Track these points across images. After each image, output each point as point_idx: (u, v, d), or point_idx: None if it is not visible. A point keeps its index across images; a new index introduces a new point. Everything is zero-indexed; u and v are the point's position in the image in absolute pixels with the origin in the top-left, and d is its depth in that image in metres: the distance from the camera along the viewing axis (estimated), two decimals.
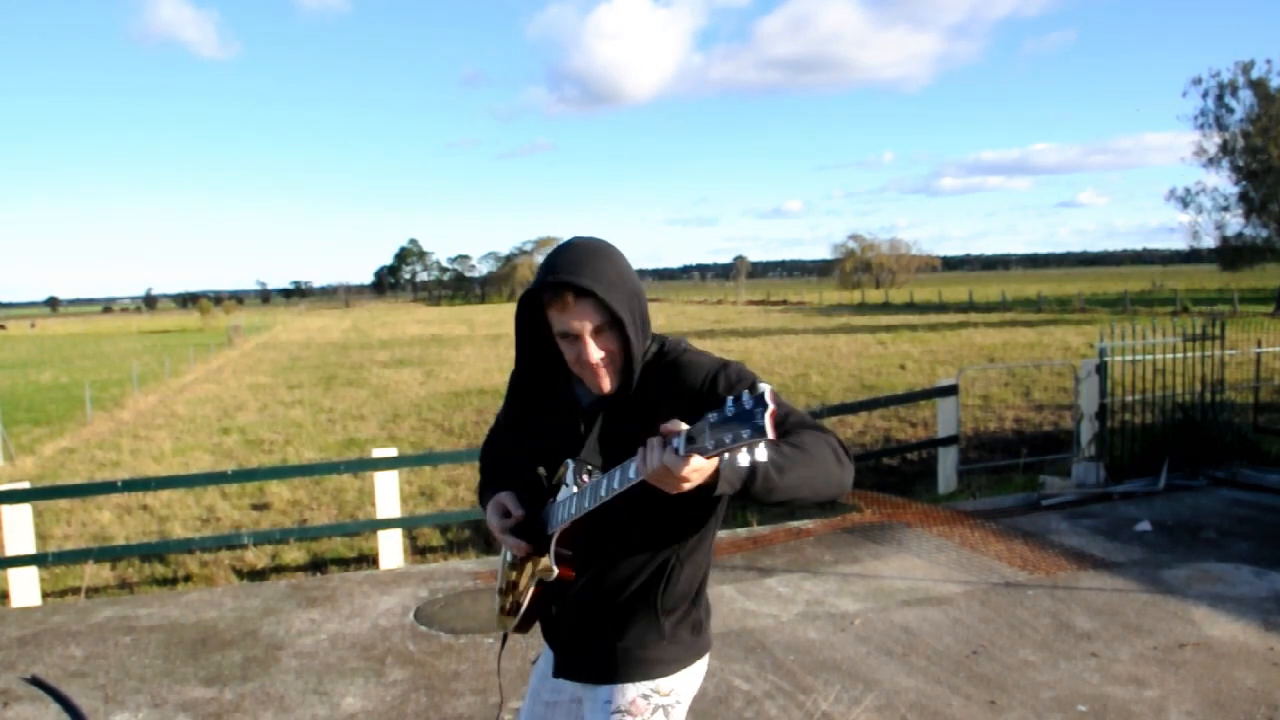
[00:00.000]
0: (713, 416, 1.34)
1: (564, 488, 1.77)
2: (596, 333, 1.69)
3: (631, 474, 1.52)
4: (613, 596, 1.80)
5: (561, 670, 1.89)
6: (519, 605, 1.86)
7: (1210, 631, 4.40)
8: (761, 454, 1.31)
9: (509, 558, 1.95)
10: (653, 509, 1.66)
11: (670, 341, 1.81)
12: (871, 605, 4.89)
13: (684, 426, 1.38)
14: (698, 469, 1.36)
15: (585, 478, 1.74)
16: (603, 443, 1.79)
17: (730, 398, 1.34)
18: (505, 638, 2.04)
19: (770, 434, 1.29)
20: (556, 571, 1.76)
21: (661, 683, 1.81)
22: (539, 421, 1.92)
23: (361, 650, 4.55)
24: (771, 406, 1.30)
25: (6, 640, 4.81)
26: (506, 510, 1.88)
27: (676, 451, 1.37)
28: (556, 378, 1.88)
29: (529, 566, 1.88)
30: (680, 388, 1.73)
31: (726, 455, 1.33)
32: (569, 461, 1.78)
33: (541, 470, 1.88)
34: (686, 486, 1.40)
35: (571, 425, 1.83)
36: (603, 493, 1.62)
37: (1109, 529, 6.15)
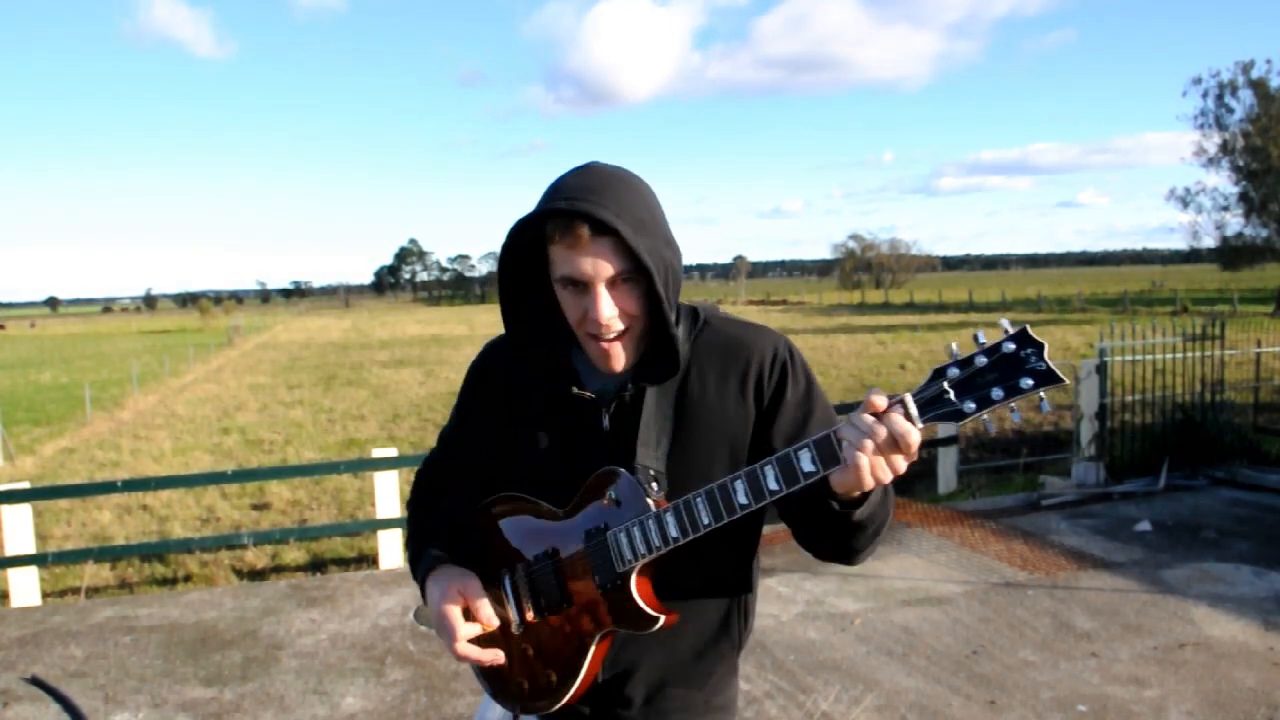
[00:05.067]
0: (955, 371, 1.13)
1: (609, 506, 1.35)
2: (613, 283, 1.30)
3: (807, 465, 1.19)
4: (695, 639, 1.45)
5: None
6: (565, 677, 1.40)
7: (1210, 631, 4.40)
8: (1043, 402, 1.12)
9: (517, 621, 1.45)
10: (745, 519, 1.29)
11: (707, 309, 1.47)
12: (871, 605, 4.89)
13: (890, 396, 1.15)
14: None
15: (655, 489, 1.35)
16: (647, 441, 1.38)
17: (980, 343, 1.14)
18: None
19: (1062, 377, 1.10)
20: (662, 620, 1.33)
21: None
22: (531, 416, 1.46)
23: (361, 650, 4.55)
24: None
25: (6, 640, 4.81)
26: (466, 608, 1.40)
27: (910, 418, 1.13)
28: (550, 351, 1.44)
29: (563, 622, 1.41)
30: (736, 370, 1.40)
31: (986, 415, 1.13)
32: (620, 471, 1.35)
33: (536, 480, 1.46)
34: (897, 471, 1.16)
35: (583, 418, 1.42)
36: (722, 509, 1.26)
37: (1109, 529, 6.14)
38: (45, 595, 6.63)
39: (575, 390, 1.41)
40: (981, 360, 1.14)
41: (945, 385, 1.15)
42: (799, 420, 1.39)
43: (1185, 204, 43.58)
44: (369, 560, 7.35)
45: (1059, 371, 1.14)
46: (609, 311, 1.30)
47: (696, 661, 1.45)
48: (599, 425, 1.42)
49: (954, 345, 1.17)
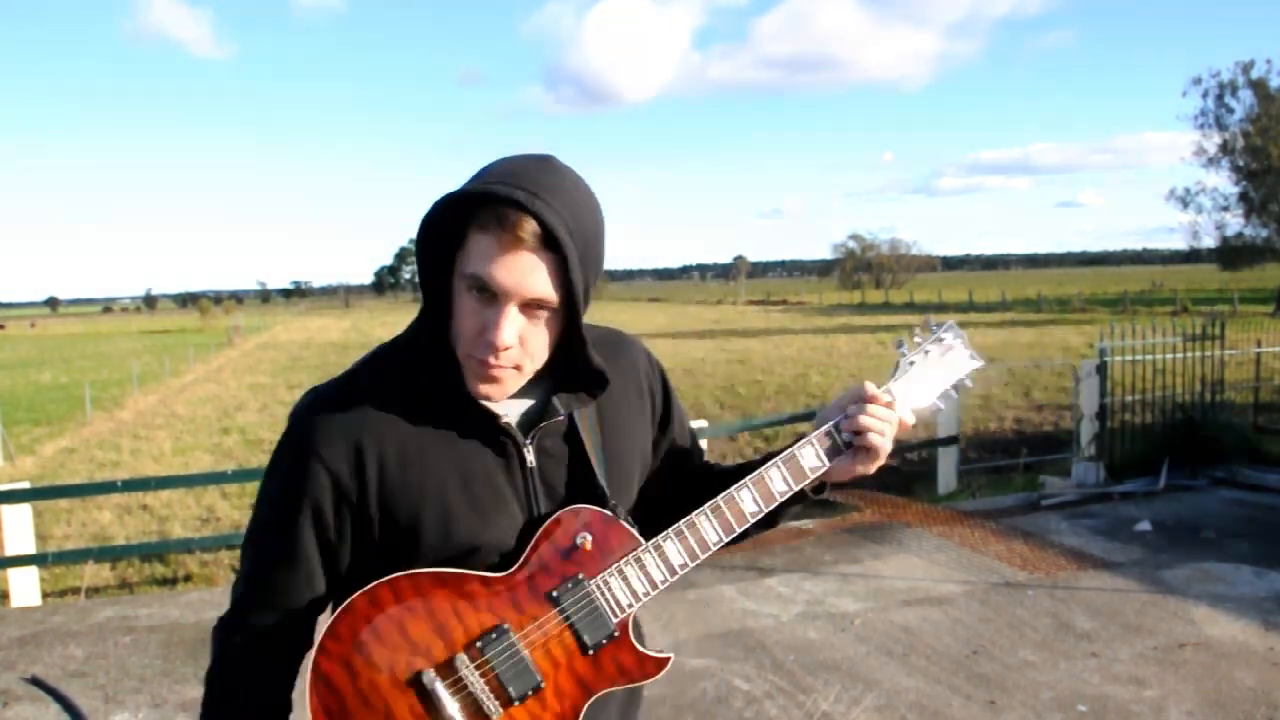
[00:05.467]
0: (914, 355, 1.33)
1: (579, 554, 1.15)
2: (528, 308, 1.08)
3: (811, 460, 1.24)
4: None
5: None
6: None
7: (1210, 631, 4.40)
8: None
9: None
10: None
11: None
12: (871, 605, 4.90)
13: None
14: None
15: (628, 528, 1.18)
16: (600, 469, 1.21)
17: (924, 329, 1.36)
18: None
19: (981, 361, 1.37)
20: (671, 657, 1.20)
21: None
22: (430, 464, 1.14)
23: None
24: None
25: (6, 640, 4.81)
26: None
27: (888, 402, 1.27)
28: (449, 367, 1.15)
29: (536, 711, 1.13)
30: (631, 377, 1.30)
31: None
32: (586, 509, 1.17)
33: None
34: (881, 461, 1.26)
35: (504, 455, 1.17)
36: (731, 521, 1.20)
37: (1109, 529, 6.15)
38: (45, 595, 6.63)
39: (503, 420, 1.15)
40: (930, 349, 1.34)
41: (913, 375, 1.34)
42: (683, 418, 1.40)
43: (1185, 204, 43.58)
44: None
45: (979, 355, 1.38)
46: (509, 338, 1.07)
47: (639, 692, 1.31)
48: (522, 462, 1.17)
49: (904, 339, 1.36)
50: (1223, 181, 42.71)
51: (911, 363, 1.32)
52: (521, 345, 1.10)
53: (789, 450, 1.24)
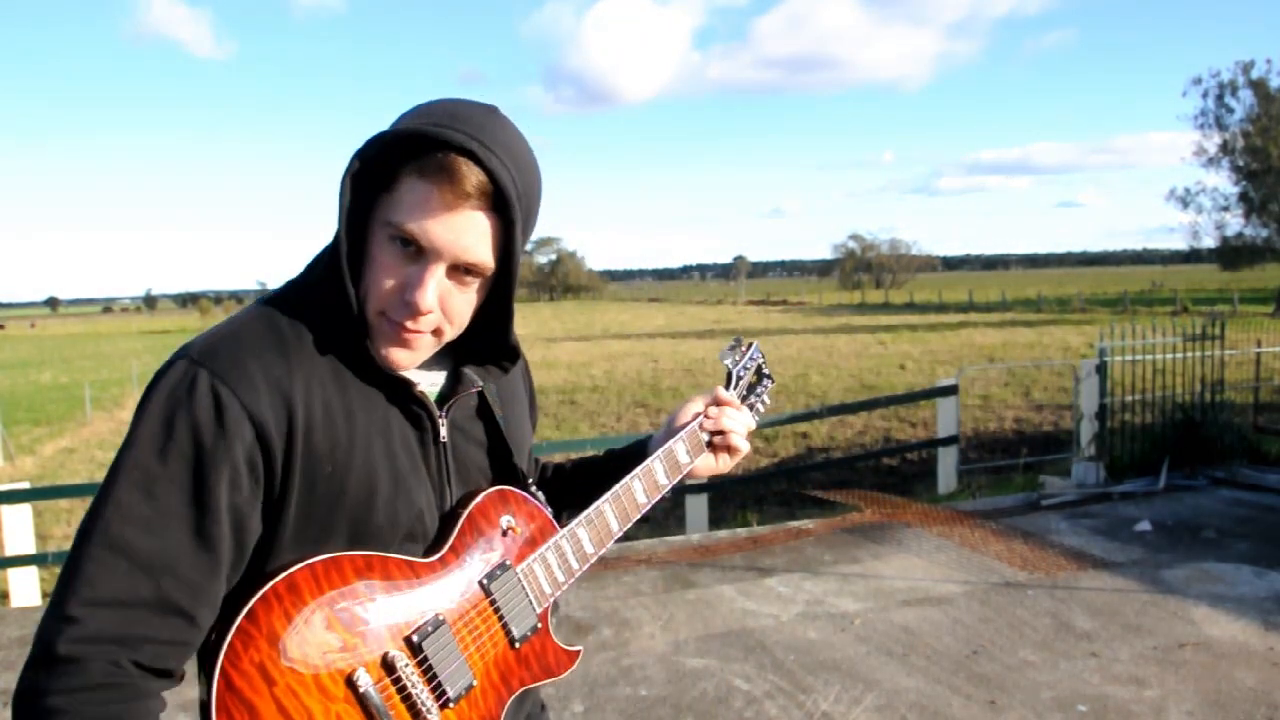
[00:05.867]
0: (740, 368, 1.47)
1: (504, 537, 1.07)
2: (456, 272, 0.96)
3: (683, 457, 1.31)
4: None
5: None
6: None
7: (1210, 631, 4.40)
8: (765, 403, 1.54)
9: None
10: None
11: None
12: (871, 605, 4.90)
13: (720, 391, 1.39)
14: None
15: (547, 512, 1.14)
16: (517, 448, 1.16)
17: (735, 348, 1.47)
18: None
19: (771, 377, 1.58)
20: (580, 650, 1.17)
21: None
22: (344, 437, 0.97)
23: None
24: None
25: (6, 640, 4.81)
26: None
27: (753, 408, 1.49)
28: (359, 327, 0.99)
29: (467, 712, 1.00)
30: (518, 367, 1.23)
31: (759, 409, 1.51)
32: (512, 491, 1.11)
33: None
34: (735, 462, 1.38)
35: (420, 429, 1.04)
36: (629, 510, 1.23)
37: (1109, 529, 6.15)
38: (45, 595, 6.63)
39: (419, 390, 1.02)
40: (743, 361, 1.49)
41: (743, 384, 1.49)
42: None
43: (1185, 204, 43.60)
44: None
45: (770, 372, 1.56)
46: (431, 300, 0.94)
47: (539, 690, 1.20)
48: (436, 435, 1.06)
49: (726, 351, 1.48)
50: (1223, 181, 42.82)
51: (739, 376, 1.46)
52: (443, 311, 0.97)
53: (669, 445, 1.29)
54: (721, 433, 1.33)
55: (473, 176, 0.91)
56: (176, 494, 0.88)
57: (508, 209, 0.93)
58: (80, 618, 0.83)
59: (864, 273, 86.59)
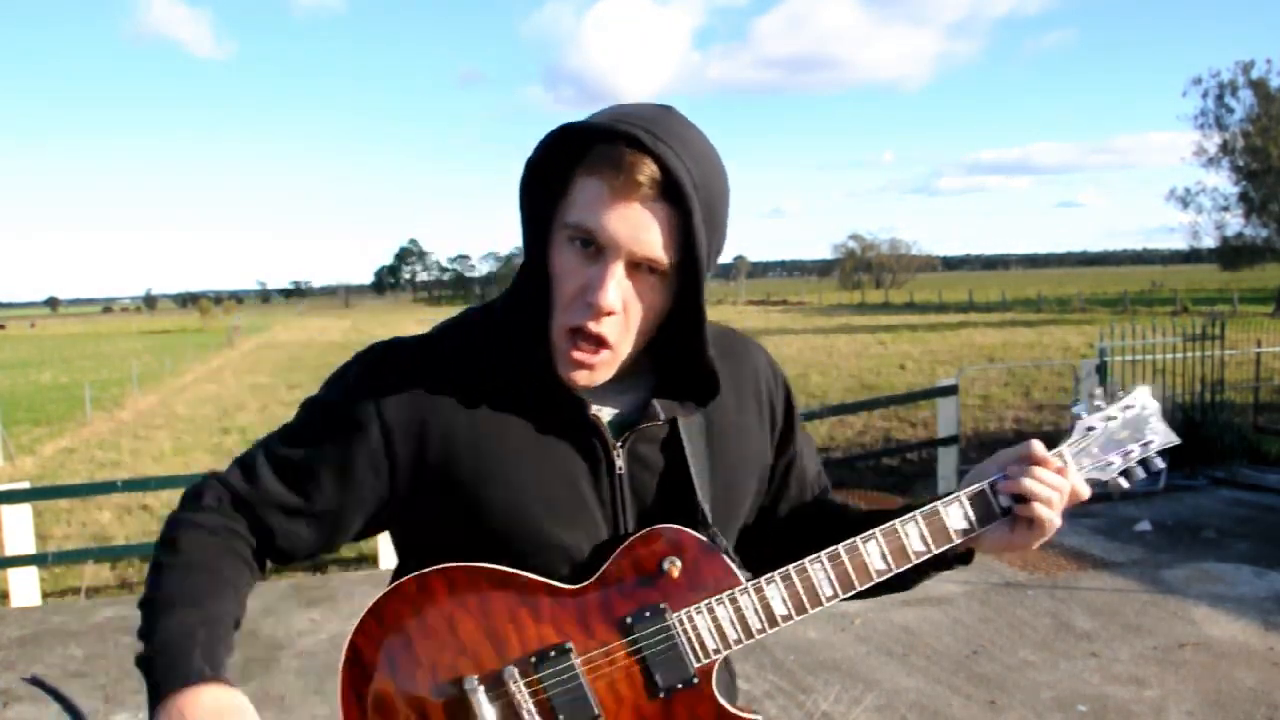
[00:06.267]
0: (1097, 426, 1.13)
1: (666, 580, 1.00)
2: (638, 269, 0.94)
3: (959, 522, 1.06)
4: None
5: None
6: None
7: (1210, 631, 4.40)
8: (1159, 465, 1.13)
9: None
10: None
11: None
12: (871, 605, 4.89)
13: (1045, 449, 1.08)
14: None
15: (728, 561, 1.02)
16: (701, 487, 1.05)
17: (1099, 398, 1.14)
18: None
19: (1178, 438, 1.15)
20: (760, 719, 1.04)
21: None
22: (501, 449, 1.00)
23: None
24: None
25: (6, 640, 4.81)
26: None
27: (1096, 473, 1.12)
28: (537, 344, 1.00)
29: None
30: (748, 385, 1.12)
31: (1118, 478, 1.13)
32: (681, 530, 1.01)
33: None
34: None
35: (590, 454, 1.02)
36: (853, 578, 1.03)
37: (1109, 529, 6.15)
38: (45, 595, 6.62)
39: (593, 413, 1.01)
40: (1115, 415, 1.14)
41: (1091, 441, 1.14)
42: (808, 441, 1.23)
43: (1185, 204, 43.56)
44: (369, 560, 7.35)
45: (1174, 433, 1.17)
46: (613, 299, 0.92)
47: None
48: (610, 466, 1.02)
49: (1085, 400, 1.18)
50: (1223, 181, 42.73)
51: (1090, 428, 1.13)
52: (625, 313, 0.94)
53: (932, 505, 1.06)
54: (1022, 498, 1.05)
55: (643, 166, 0.89)
56: (306, 441, 1.02)
57: (683, 199, 0.91)
58: (243, 459, 1.05)
59: (864, 273, 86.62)
